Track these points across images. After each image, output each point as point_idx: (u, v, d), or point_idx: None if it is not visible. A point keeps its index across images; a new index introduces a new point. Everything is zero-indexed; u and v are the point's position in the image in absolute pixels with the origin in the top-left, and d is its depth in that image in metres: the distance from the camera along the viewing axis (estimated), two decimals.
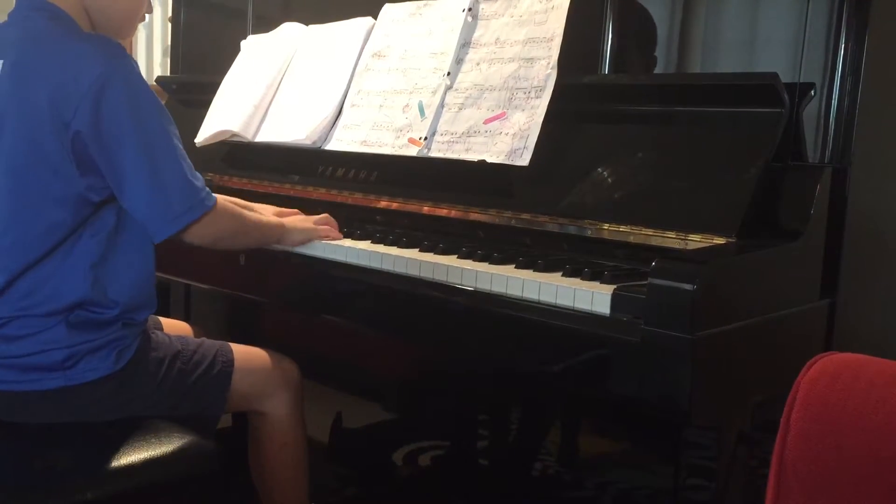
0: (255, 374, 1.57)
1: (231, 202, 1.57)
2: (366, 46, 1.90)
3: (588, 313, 1.19)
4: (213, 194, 1.44)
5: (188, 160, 1.41)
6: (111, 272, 1.42)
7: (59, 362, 1.38)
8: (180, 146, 1.41)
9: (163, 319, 1.74)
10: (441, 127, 1.66)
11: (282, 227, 1.60)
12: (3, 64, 1.39)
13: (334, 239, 1.60)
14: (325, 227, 1.63)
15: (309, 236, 1.61)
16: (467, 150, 1.59)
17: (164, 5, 3.61)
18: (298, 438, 1.63)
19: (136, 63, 1.40)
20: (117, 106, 1.33)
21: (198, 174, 1.42)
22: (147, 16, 1.58)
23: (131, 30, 1.55)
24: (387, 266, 1.46)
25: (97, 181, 1.37)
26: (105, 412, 1.42)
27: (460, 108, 1.64)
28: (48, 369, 1.38)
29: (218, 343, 1.57)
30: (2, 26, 1.46)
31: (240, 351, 1.58)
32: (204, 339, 1.60)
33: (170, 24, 2.79)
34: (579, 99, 1.56)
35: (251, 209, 1.66)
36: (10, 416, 1.40)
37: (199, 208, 1.40)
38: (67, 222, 1.37)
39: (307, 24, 2.10)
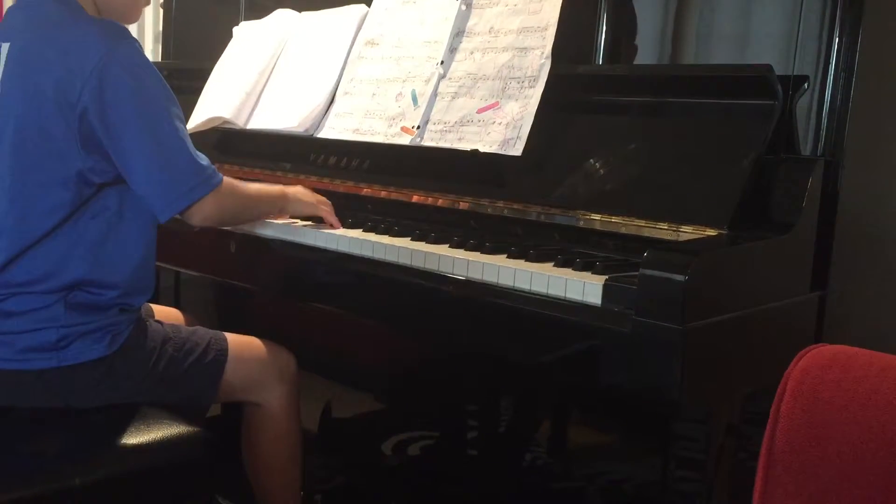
0: (250, 364, 1.57)
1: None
2: (359, 34, 1.89)
3: (579, 304, 1.19)
4: (219, 173, 1.45)
5: (190, 141, 1.42)
6: (111, 254, 1.43)
7: (53, 342, 1.38)
8: (184, 127, 1.42)
9: (155, 307, 1.74)
10: (434, 116, 1.65)
11: (284, 196, 1.60)
12: (10, 47, 1.42)
13: (334, 224, 1.59)
14: (327, 208, 1.62)
15: (313, 210, 1.61)
16: (460, 139, 1.59)
17: None
18: (293, 430, 1.63)
19: (140, 45, 1.42)
20: (120, 86, 1.35)
21: (202, 155, 1.43)
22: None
23: (136, 14, 1.57)
24: (378, 254, 1.45)
25: (100, 162, 1.39)
26: (95, 396, 1.42)
27: (453, 97, 1.64)
28: (42, 349, 1.38)
29: (212, 332, 1.57)
30: (10, 10, 1.49)
31: (235, 341, 1.57)
32: (198, 327, 1.59)
33: (162, 10, 2.78)
34: (573, 89, 1.56)
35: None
36: (2, 396, 1.39)
37: (205, 186, 1.41)
38: (69, 203, 1.39)
39: (300, 11, 2.09)
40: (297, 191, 1.64)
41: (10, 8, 1.50)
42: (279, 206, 1.60)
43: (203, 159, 1.43)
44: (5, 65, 1.41)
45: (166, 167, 1.38)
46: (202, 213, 1.43)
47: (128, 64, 1.36)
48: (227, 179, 1.47)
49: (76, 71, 1.33)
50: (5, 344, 1.39)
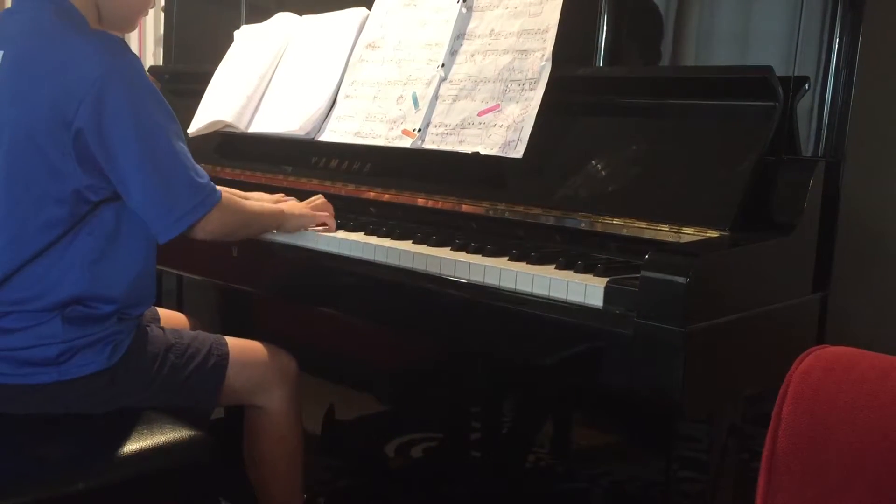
0: (251, 368, 1.57)
1: (228, 192, 1.56)
2: (360, 37, 1.89)
3: (581, 306, 1.19)
4: (218, 189, 1.44)
5: (191, 157, 1.41)
6: (110, 270, 1.42)
7: (54, 357, 1.37)
8: (183, 144, 1.40)
9: (160, 310, 1.73)
10: (435, 118, 1.66)
11: (281, 213, 1.61)
12: (4, 55, 1.38)
13: (330, 228, 1.61)
14: (324, 213, 1.63)
15: (307, 222, 1.61)
16: (461, 141, 1.59)
17: None
18: (294, 433, 1.63)
19: (139, 60, 1.39)
20: (118, 106, 1.32)
21: (201, 170, 1.42)
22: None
23: (136, 24, 1.56)
24: (380, 258, 1.45)
25: (98, 180, 1.36)
26: (98, 406, 1.41)
27: (454, 100, 1.64)
28: (42, 364, 1.37)
29: (213, 336, 1.56)
30: (4, 14, 1.45)
31: (235, 345, 1.57)
32: (199, 331, 1.59)
33: (163, 14, 2.78)
34: (574, 91, 1.56)
35: (247, 199, 1.66)
36: (2, 407, 1.39)
37: (203, 206, 1.40)
38: (65, 219, 1.37)
39: (301, 15, 2.10)
40: (293, 206, 1.64)
41: (3, 13, 1.44)
42: (277, 223, 1.60)
43: (202, 177, 1.41)
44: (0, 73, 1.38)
45: (164, 189, 1.36)
46: (205, 231, 1.43)
47: (127, 82, 1.33)
48: (226, 196, 1.45)
49: (73, 87, 1.30)
50: (6, 360, 1.37)
